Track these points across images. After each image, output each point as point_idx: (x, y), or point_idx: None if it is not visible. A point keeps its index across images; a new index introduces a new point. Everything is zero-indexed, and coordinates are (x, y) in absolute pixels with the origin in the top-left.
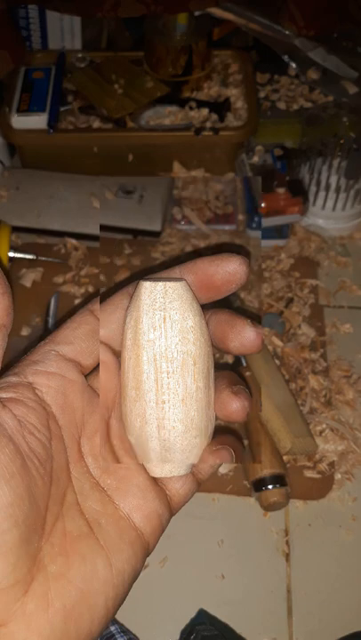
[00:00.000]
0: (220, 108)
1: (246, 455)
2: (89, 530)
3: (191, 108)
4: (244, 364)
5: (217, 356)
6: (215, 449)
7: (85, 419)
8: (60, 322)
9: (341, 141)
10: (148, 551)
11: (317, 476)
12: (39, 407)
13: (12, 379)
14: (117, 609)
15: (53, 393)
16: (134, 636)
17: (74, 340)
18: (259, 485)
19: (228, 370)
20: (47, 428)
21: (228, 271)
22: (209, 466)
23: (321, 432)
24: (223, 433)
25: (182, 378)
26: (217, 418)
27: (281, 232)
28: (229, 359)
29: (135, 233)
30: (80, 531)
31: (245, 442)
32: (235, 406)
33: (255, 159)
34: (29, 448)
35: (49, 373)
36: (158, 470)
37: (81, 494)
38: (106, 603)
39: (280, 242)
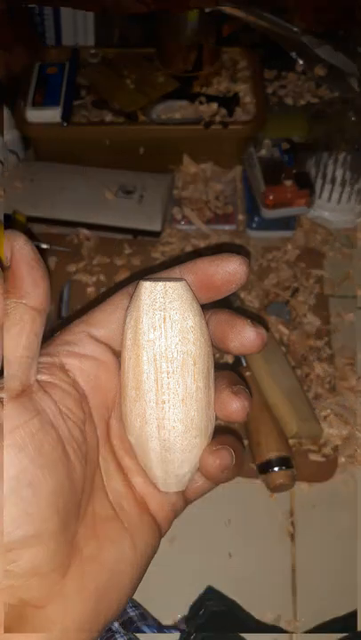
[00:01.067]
0: (230, 102)
1: (246, 455)
2: (114, 512)
3: (201, 103)
4: (245, 364)
5: (217, 355)
6: (215, 449)
7: (116, 400)
8: (74, 310)
9: (346, 136)
10: (161, 534)
11: (322, 459)
12: (73, 390)
13: (46, 359)
14: (136, 588)
15: (85, 375)
16: (145, 611)
17: (108, 325)
18: (265, 468)
19: (228, 370)
20: (81, 410)
21: (228, 271)
22: (202, 484)
23: (325, 417)
24: (223, 433)
25: (182, 378)
26: (217, 418)
27: (288, 224)
28: (229, 359)
29: (135, 233)
30: (107, 513)
31: (245, 442)
32: (235, 406)
33: (263, 152)
34: (69, 433)
35: (82, 355)
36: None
37: (106, 475)
38: (131, 583)
39: (287, 233)
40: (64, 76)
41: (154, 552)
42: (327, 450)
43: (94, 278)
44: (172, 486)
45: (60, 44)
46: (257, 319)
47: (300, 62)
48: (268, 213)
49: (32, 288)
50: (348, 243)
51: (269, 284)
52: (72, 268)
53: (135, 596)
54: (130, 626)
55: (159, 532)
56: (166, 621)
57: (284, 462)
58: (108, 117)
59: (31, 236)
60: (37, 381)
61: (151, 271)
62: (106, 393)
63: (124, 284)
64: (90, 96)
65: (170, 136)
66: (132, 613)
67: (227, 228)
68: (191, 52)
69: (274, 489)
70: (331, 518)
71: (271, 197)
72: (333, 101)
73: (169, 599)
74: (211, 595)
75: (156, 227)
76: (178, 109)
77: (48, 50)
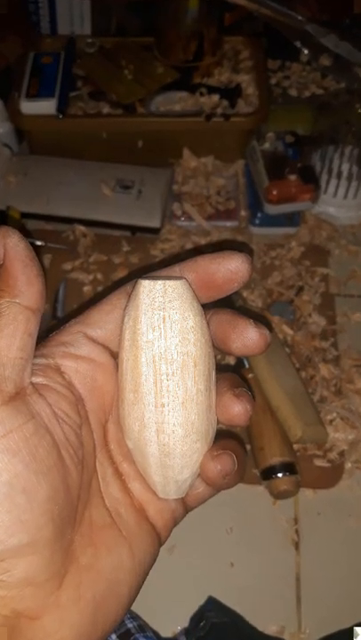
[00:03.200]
0: (231, 94)
1: (248, 460)
2: (112, 519)
3: (202, 94)
4: (247, 365)
5: (218, 357)
6: (216, 454)
7: (114, 403)
8: (70, 310)
9: (353, 128)
10: (160, 542)
11: (327, 464)
12: (69, 393)
13: (41, 360)
14: (135, 598)
15: (82, 377)
16: (144, 622)
17: (105, 325)
18: (268, 473)
19: (230, 372)
20: (77, 413)
21: (229, 269)
22: (203, 490)
23: (331, 421)
24: (225, 437)
25: (182, 380)
26: (218, 422)
27: (292, 220)
28: (231, 360)
29: (134, 229)
30: (104, 520)
31: (248, 447)
32: (237, 409)
33: (266, 146)
34: (64, 437)
35: (78, 357)
36: (161, 490)
37: (103, 481)
38: (129, 592)
39: (291, 229)
40: (59, 67)
41: (153, 561)
42: (333, 455)
43: (91, 277)
44: (171, 493)
45: (55, 32)
46: (260, 319)
47: (305, 52)
48: (272, 209)
49: (26, 287)
50: (354, 239)
51: (273, 282)
52: (68, 265)
53: (133, 607)
54: (128, 638)
55: (158, 539)
56: (166, 633)
57: (288, 468)
58: (106, 109)
59: (25, 233)
60: (32, 384)
61: (150, 269)
62: (103, 396)
63: (122, 282)
64: (86, 87)
65: (169, 129)
66: (130, 625)
67: (228, 224)
68: (192, 41)
69: (277, 495)
70: (336, 526)
71: (275, 192)
72: (339, 92)
73: (168, 610)
74: (212, 606)
75: (156, 223)
76: (178, 101)
77: (43, 39)
